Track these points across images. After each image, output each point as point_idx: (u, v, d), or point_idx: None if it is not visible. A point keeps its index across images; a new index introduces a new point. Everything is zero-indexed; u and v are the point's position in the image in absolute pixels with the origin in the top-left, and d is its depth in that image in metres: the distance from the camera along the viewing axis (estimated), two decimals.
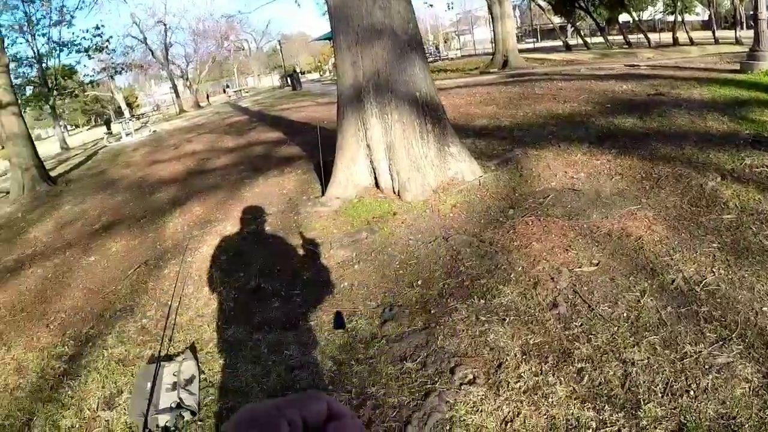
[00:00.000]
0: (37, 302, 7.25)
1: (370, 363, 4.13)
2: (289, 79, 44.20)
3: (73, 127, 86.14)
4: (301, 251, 6.54)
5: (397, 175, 7.24)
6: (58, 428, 4.45)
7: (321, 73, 67.92)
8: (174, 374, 4.38)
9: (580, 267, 4.74)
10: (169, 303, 5.93)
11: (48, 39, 39.29)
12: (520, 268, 4.92)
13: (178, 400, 4.10)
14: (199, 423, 4.02)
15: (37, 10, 37.39)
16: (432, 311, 4.61)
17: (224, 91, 65.79)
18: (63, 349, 5.74)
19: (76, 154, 29.27)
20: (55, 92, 40.30)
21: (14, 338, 6.39)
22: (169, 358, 4.76)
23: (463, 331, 4.21)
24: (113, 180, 15.49)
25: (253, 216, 7.97)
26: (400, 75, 7.25)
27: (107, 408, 4.51)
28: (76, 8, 39.58)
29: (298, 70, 48.41)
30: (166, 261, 7.38)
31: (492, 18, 29.79)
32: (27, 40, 38.56)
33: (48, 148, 36.53)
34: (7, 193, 18.56)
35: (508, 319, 4.20)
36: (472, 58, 41.87)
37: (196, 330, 5.34)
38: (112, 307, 6.44)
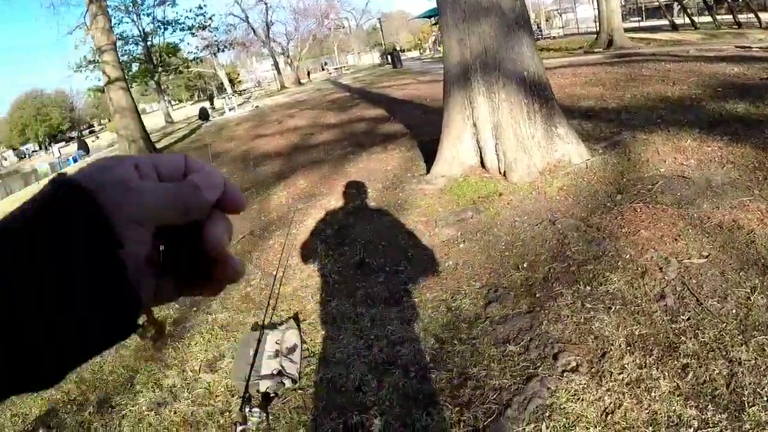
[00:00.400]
0: None
1: (472, 343, 4.16)
2: (389, 56, 44.43)
3: (177, 102, 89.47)
4: (405, 228, 6.59)
5: (504, 155, 7.18)
6: (160, 387, 4.71)
7: (421, 51, 67.56)
8: (277, 342, 4.52)
9: (689, 258, 4.61)
10: (274, 273, 6.12)
11: (153, 18, 41.51)
12: (627, 256, 4.82)
13: (280, 368, 4.24)
14: (299, 391, 4.15)
15: None
16: (537, 295, 4.59)
17: (322, 69, 66.55)
18: (168, 312, 6.04)
19: (180, 128, 30.39)
20: (159, 69, 42.32)
21: None
22: (273, 326, 4.91)
23: (568, 317, 4.17)
24: (218, 153, 16.03)
25: (357, 191, 8.11)
26: (508, 53, 7.17)
27: (209, 371, 4.74)
28: None
29: (398, 48, 48.41)
30: (271, 232, 7.64)
31: None
32: (132, 20, 41.09)
33: (153, 121, 37.96)
34: None
35: (613, 308, 4.13)
36: (574, 36, 40.90)
37: (300, 301, 5.51)
38: None
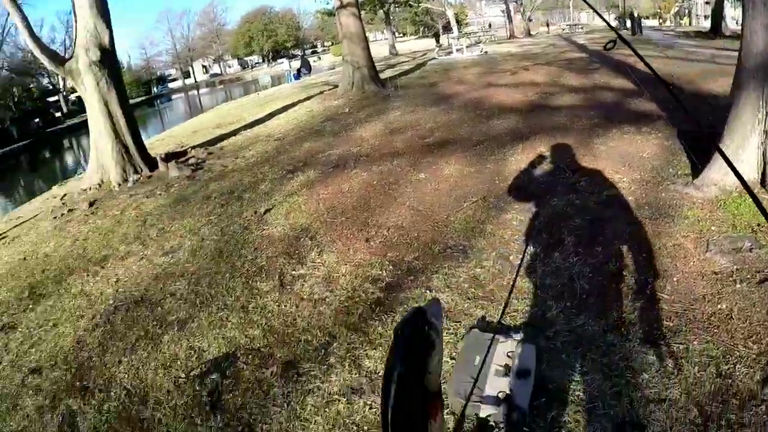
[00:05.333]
0: (358, 209, 7.00)
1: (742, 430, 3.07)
2: (628, 21, 41.77)
3: (402, 34, 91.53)
4: (670, 242, 5.27)
5: None
6: (358, 367, 4.01)
7: (661, 20, 65.37)
8: (508, 355, 3.63)
9: None
10: (511, 257, 5.24)
11: None
12: None
13: (509, 392, 3.32)
14: (525, 430, 3.24)
15: None
16: None
17: (547, 26, 65.32)
18: (380, 273, 5.34)
19: (405, 61, 30.38)
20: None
21: (328, 242, 6.15)
22: (506, 330, 4.05)
23: None
24: (446, 95, 15.33)
25: (612, 177, 6.91)
26: None
27: None
28: None
29: (635, 14, 45.72)
30: (508, 203, 6.64)
31: None
32: None
33: (377, 50, 38.53)
34: (336, 86, 19.41)
35: None
36: None
37: (539, 304, 4.50)
38: (442, 241, 5.87)
